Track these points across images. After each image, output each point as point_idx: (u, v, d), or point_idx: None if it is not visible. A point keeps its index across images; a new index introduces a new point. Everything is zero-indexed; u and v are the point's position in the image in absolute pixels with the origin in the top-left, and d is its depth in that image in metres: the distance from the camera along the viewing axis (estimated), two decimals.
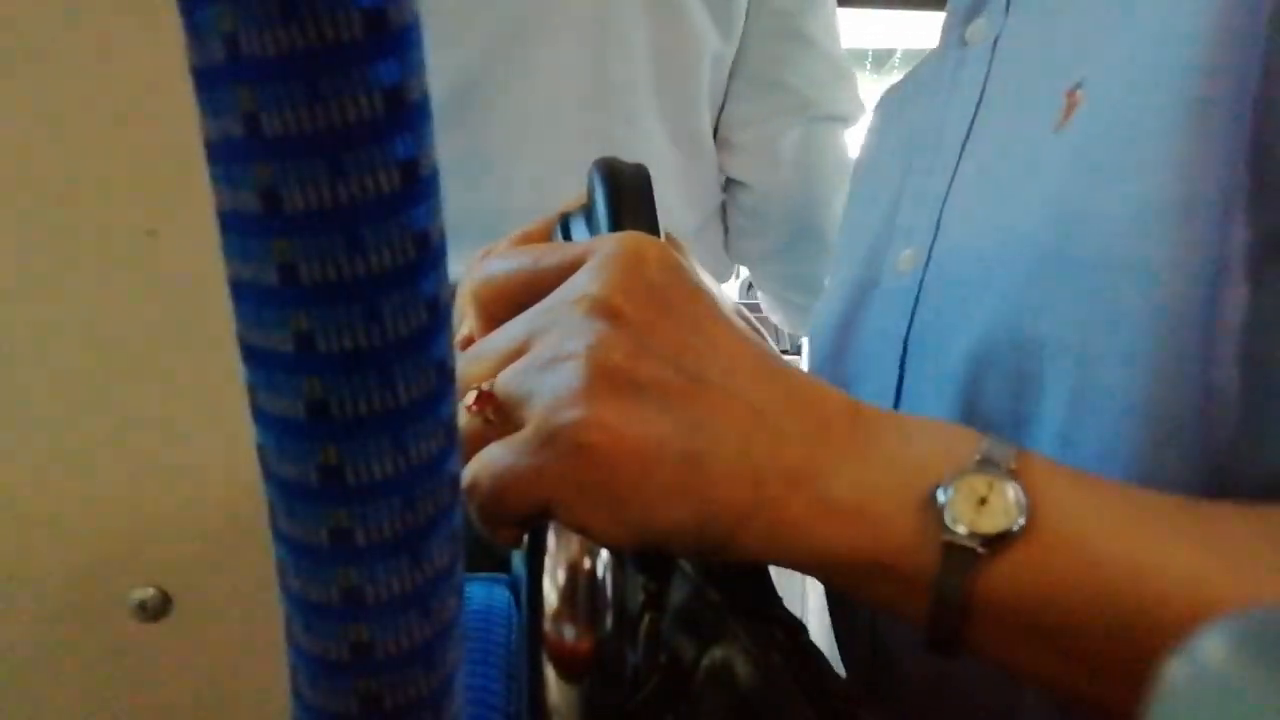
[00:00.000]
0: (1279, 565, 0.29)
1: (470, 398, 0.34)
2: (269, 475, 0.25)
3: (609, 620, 0.35)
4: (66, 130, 0.25)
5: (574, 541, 0.37)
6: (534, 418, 0.32)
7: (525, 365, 0.33)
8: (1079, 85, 0.39)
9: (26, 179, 0.25)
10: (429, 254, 0.24)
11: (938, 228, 0.46)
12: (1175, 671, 0.13)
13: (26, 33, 0.24)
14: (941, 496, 0.31)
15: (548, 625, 0.35)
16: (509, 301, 0.36)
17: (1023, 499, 0.30)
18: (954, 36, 0.49)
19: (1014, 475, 0.31)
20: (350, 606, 0.25)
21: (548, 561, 0.42)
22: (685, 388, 0.32)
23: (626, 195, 0.39)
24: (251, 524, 0.27)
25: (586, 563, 0.37)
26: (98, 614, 0.30)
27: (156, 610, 0.29)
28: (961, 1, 0.49)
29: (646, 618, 0.38)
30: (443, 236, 0.24)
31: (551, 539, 0.38)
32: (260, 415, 0.24)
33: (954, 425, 0.35)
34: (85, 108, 0.25)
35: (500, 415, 0.34)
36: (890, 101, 0.61)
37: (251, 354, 0.24)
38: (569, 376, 0.32)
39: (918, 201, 0.48)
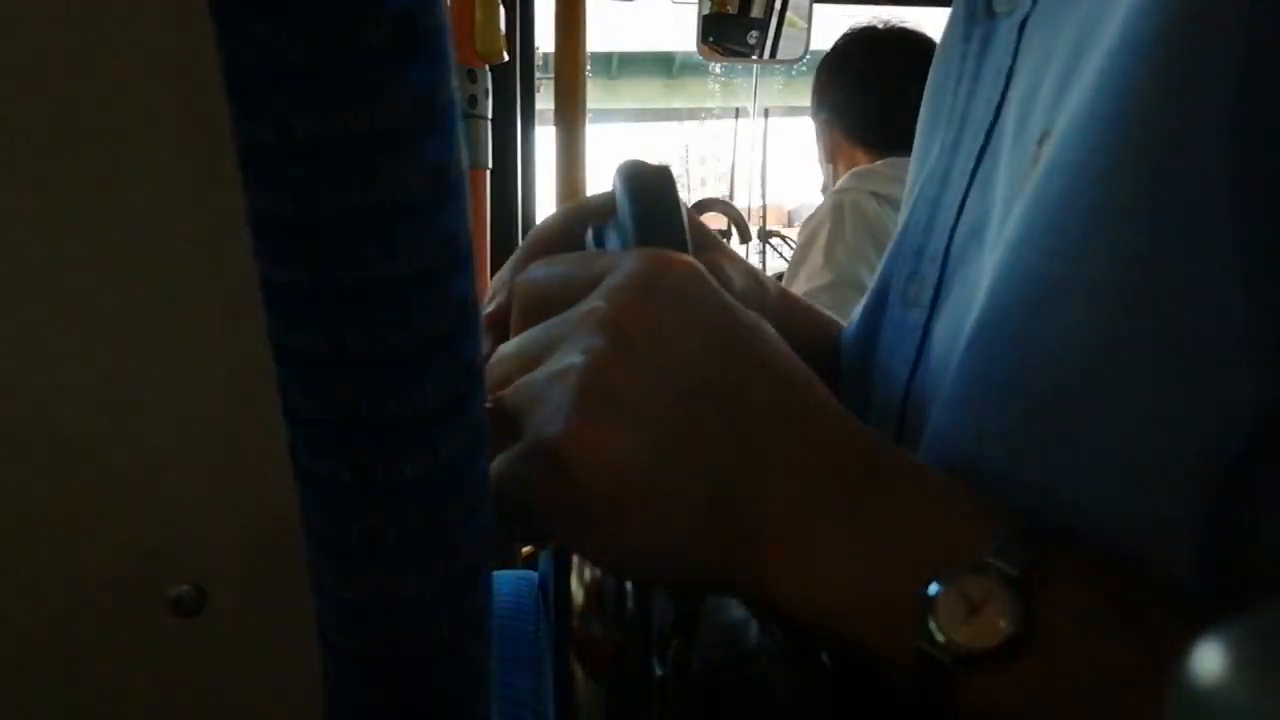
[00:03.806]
0: None
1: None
2: (301, 474, 0.25)
3: (637, 618, 0.35)
4: (101, 135, 0.25)
5: None
6: (528, 430, 0.32)
7: (533, 377, 0.33)
8: (1045, 136, 0.33)
9: (60, 183, 0.26)
10: (458, 256, 0.24)
11: (946, 254, 0.41)
12: (1184, 680, 0.13)
13: (56, 36, 0.25)
14: (932, 592, 0.27)
15: (575, 623, 0.35)
16: (542, 307, 0.35)
17: (1017, 618, 0.26)
18: (979, 4, 0.42)
19: (1021, 583, 0.26)
20: (381, 604, 0.26)
21: (575, 559, 0.42)
22: (675, 416, 0.30)
23: (649, 204, 0.37)
24: (285, 522, 0.27)
25: None
26: (133, 610, 0.30)
27: (191, 607, 0.30)
28: None
29: (675, 642, 0.36)
30: (470, 239, 0.25)
31: None
32: (292, 415, 0.25)
33: (978, 499, 0.30)
34: (120, 112, 0.25)
35: (506, 426, 0.33)
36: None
37: (283, 355, 0.24)
38: (563, 392, 0.31)
39: (934, 209, 0.43)
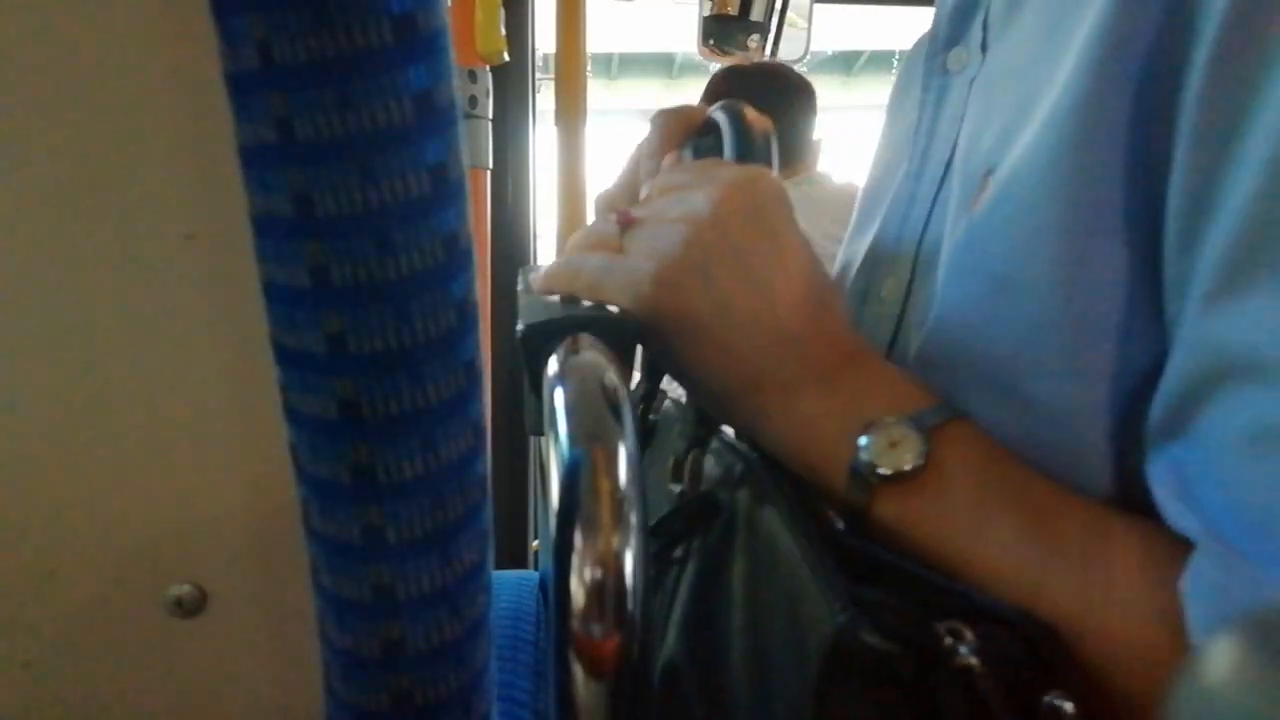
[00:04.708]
0: (1095, 584, 0.35)
1: (614, 216, 0.47)
2: (302, 474, 0.25)
3: (637, 618, 0.35)
4: (102, 136, 0.25)
5: (602, 540, 0.38)
6: (635, 252, 0.45)
7: (660, 212, 0.46)
8: (991, 172, 0.43)
9: (63, 184, 0.26)
10: (458, 256, 0.24)
11: (916, 258, 0.51)
12: (1187, 681, 0.13)
13: (61, 39, 0.25)
14: (866, 434, 0.39)
15: (575, 623, 0.35)
16: (676, 189, 0.48)
17: (923, 454, 0.38)
18: (936, 63, 0.53)
19: (929, 434, 0.39)
20: (382, 603, 0.26)
21: (575, 559, 0.42)
22: (738, 288, 0.43)
23: (751, 133, 0.53)
24: (285, 522, 0.28)
25: (614, 561, 0.37)
26: (135, 610, 0.30)
27: (193, 606, 0.30)
28: (941, 29, 0.53)
29: (691, 455, 0.51)
30: (470, 239, 0.25)
31: (579, 537, 0.38)
32: (293, 415, 0.25)
33: (921, 388, 0.43)
34: (121, 113, 0.25)
35: (628, 231, 0.46)
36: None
37: (284, 354, 0.24)
38: (669, 237, 0.44)
39: (902, 225, 0.53)
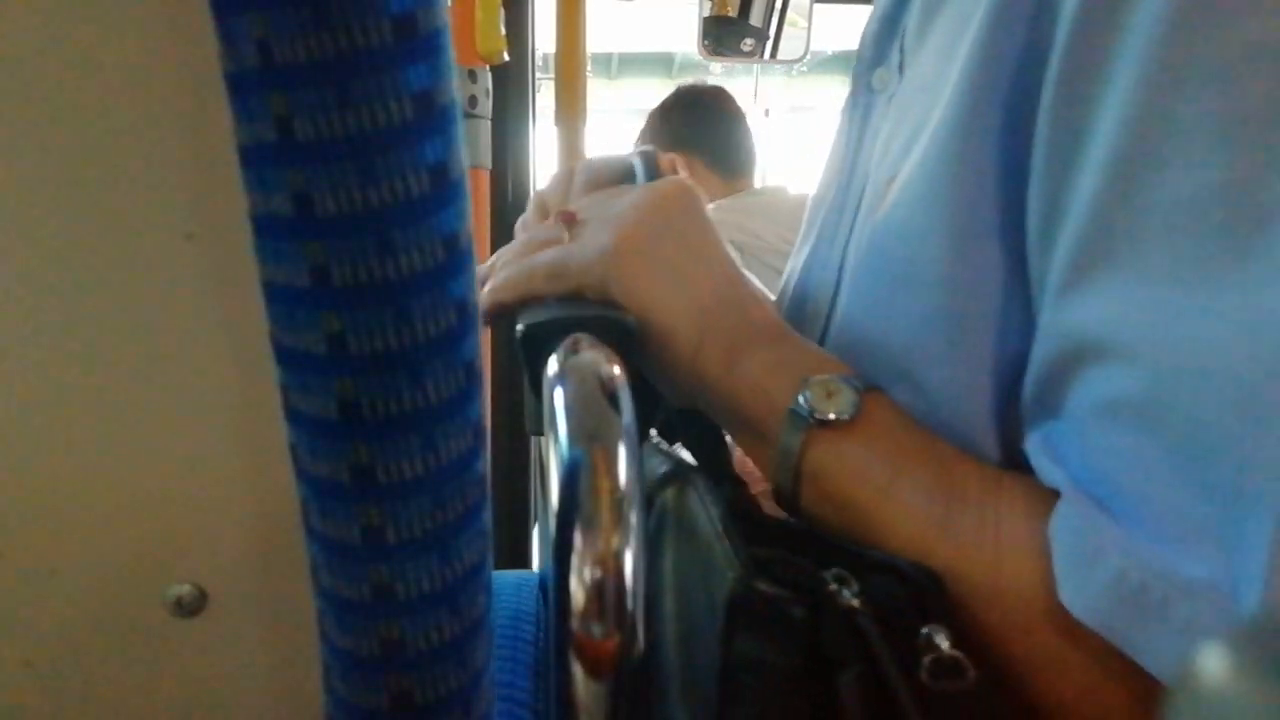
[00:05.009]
0: (983, 540, 0.39)
1: (555, 216, 0.52)
2: (302, 474, 0.25)
3: (638, 618, 0.35)
4: (102, 136, 0.25)
5: (602, 540, 0.38)
6: (590, 232, 0.50)
7: (597, 204, 0.52)
8: (892, 179, 0.48)
9: (64, 184, 0.26)
10: (458, 256, 0.24)
11: (842, 262, 0.57)
12: (1183, 691, 0.13)
13: (62, 39, 0.25)
14: (805, 388, 0.44)
15: (575, 623, 0.35)
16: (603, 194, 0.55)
17: (856, 405, 0.43)
18: (862, 83, 0.59)
19: (861, 392, 0.43)
20: (382, 603, 0.26)
21: (574, 559, 0.42)
22: (686, 260, 0.49)
23: (664, 172, 0.59)
24: (285, 522, 0.28)
25: (614, 561, 0.37)
26: (135, 610, 0.30)
27: (192, 606, 0.30)
28: (866, 51, 0.59)
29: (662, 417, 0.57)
30: (471, 239, 0.25)
31: (579, 537, 0.38)
32: (293, 415, 0.25)
33: (845, 365, 0.47)
34: (121, 113, 0.25)
35: (571, 228, 0.51)
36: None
37: (284, 355, 0.24)
38: (620, 214, 0.49)
39: (834, 231, 0.58)
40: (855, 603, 0.37)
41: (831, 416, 0.43)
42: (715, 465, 0.54)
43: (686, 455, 0.56)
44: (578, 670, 0.29)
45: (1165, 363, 0.35)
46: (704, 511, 0.45)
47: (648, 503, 0.52)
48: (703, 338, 0.48)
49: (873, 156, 0.55)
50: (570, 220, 0.52)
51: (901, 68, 0.55)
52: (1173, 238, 0.35)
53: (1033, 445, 0.39)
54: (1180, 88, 0.35)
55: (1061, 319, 0.38)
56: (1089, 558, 0.35)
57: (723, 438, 0.57)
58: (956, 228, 0.43)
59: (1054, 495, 0.37)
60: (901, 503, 0.41)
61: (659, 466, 0.54)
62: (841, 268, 0.56)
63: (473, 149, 1.31)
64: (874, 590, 0.37)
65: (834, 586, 0.37)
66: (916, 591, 0.38)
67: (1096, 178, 0.37)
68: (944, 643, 0.36)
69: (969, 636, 0.37)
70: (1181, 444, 0.34)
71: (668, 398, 0.54)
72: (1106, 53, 0.37)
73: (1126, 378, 0.36)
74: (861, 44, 0.59)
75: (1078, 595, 0.34)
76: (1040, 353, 0.40)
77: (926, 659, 0.36)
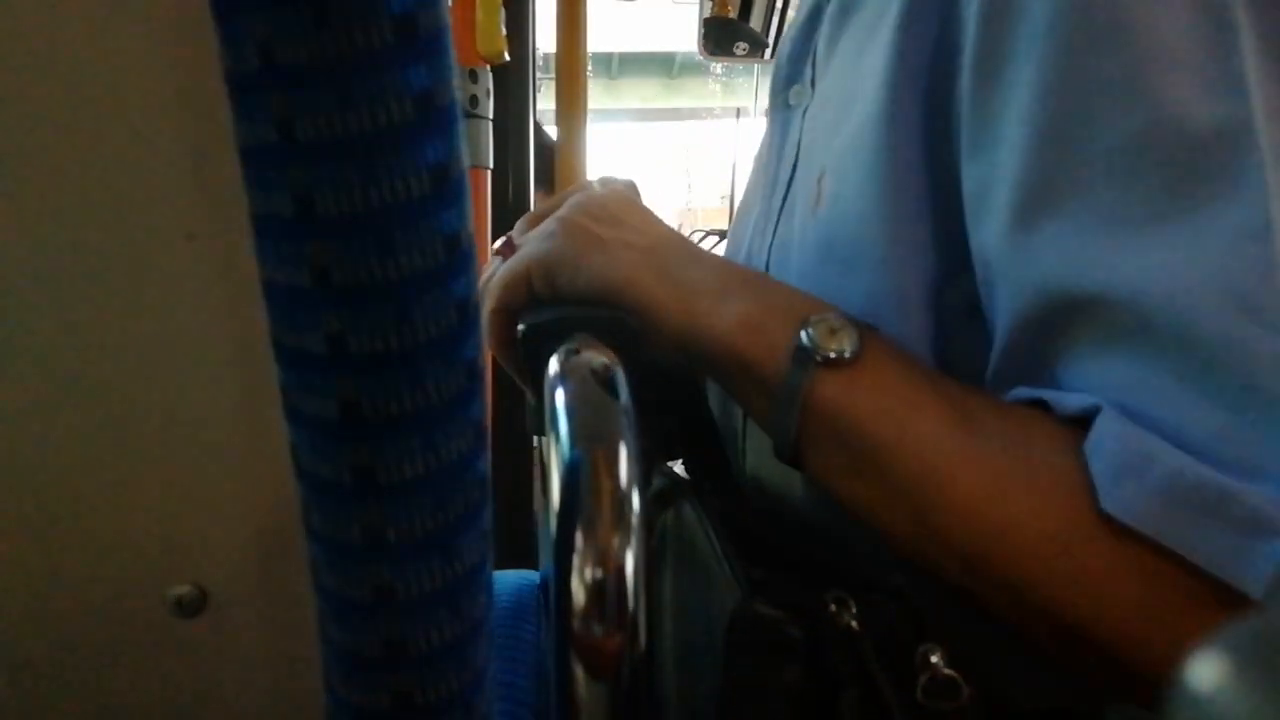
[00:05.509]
0: (998, 468, 0.38)
1: (492, 253, 0.55)
2: (302, 474, 0.25)
3: (638, 618, 0.35)
4: (103, 136, 0.25)
5: (602, 540, 0.38)
6: (535, 231, 0.52)
7: (534, 233, 0.53)
8: (823, 174, 0.52)
9: (65, 184, 0.26)
10: (459, 256, 0.24)
11: (767, 263, 0.60)
12: (1181, 691, 0.13)
13: (63, 42, 0.25)
14: (807, 325, 0.43)
15: (576, 623, 0.35)
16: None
17: (859, 340, 0.42)
18: (779, 99, 0.63)
19: (862, 330, 0.43)
20: (382, 604, 0.26)
21: (575, 559, 0.42)
22: (639, 220, 0.51)
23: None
24: (285, 522, 0.28)
25: (614, 561, 0.37)
26: (135, 610, 0.30)
27: (193, 607, 0.30)
28: (782, 70, 0.63)
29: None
30: (471, 239, 0.25)
31: (580, 537, 0.38)
32: (293, 415, 0.25)
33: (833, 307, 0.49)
34: (122, 113, 0.25)
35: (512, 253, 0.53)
36: None
37: (285, 355, 0.24)
38: (561, 211, 0.51)
39: (761, 234, 0.62)
40: (854, 624, 0.38)
41: (835, 354, 0.42)
42: (714, 474, 0.54)
43: (682, 471, 0.57)
44: (578, 670, 0.29)
45: (1140, 293, 0.37)
46: (702, 531, 0.45)
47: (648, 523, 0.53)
48: (681, 298, 0.48)
49: (796, 166, 0.59)
50: (509, 250, 0.54)
51: (814, 83, 0.60)
52: (1117, 180, 0.38)
53: (1047, 394, 0.40)
54: (1093, 46, 0.38)
55: (1024, 276, 0.40)
56: (1138, 464, 0.35)
57: (723, 447, 0.57)
58: (891, 212, 0.46)
59: (1070, 423, 0.38)
60: (922, 434, 0.40)
61: (655, 482, 0.55)
62: (768, 267, 0.59)
63: (473, 149, 1.31)
64: (869, 611, 0.38)
65: (833, 608, 0.38)
66: (913, 610, 0.39)
67: (1029, 141, 0.40)
68: (939, 662, 0.37)
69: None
70: (1182, 363, 0.36)
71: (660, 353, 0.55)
72: (1016, 30, 0.40)
73: (1108, 316, 0.38)
74: (777, 65, 0.64)
75: (1129, 502, 0.35)
76: (1008, 316, 0.42)
77: (922, 678, 0.37)
